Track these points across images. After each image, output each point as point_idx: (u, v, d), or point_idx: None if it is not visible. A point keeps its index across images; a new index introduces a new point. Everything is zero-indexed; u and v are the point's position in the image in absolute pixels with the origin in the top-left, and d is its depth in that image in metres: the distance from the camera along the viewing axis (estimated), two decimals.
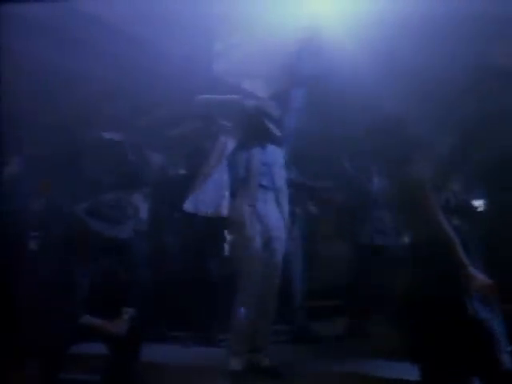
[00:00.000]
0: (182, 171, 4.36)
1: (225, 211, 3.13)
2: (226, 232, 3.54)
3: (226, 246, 3.98)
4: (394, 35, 4.01)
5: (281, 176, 3.29)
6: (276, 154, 3.32)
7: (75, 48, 3.98)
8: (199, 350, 3.75)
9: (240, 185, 3.19)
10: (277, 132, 3.32)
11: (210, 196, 3.13)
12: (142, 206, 4.26)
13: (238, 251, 3.15)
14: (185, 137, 4.56)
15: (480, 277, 2.50)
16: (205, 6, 4.16)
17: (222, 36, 4.91)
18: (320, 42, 4.03)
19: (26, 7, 3.45)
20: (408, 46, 4.04)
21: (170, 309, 3.74)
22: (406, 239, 4.30)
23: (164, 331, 3.80)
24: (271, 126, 3.30)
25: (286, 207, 3.29)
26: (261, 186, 3.20)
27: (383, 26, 3.90)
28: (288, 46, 4.28)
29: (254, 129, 3.31)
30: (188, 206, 3.16)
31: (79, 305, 2.50)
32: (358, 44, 3.88)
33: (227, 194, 3.15)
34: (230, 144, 3.25)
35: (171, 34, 4.41)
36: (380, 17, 3.86)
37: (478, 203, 3.80)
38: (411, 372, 2.65)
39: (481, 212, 3.78)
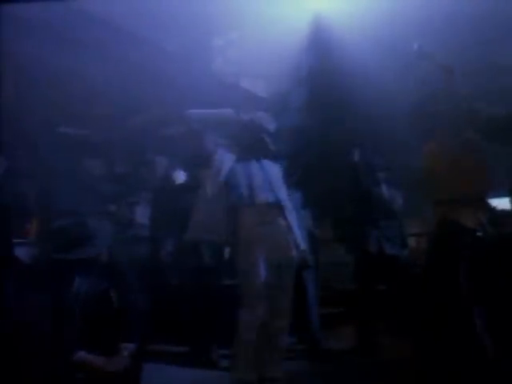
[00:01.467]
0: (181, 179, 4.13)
1: (230, 234, 2.92)
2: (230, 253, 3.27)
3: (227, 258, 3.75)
4: (398, 30, 3.84)
5: (283, 192, 3.09)
6: (273, 170, 3.14)
7: (70, 46, 3.77)
8: (197, 372, 3.49)
9: (244, 204, 2.97)
10: (272, 146, 3.14)
11: (212, 220, 2.91)
12: (143, 211, 4.06)
13: (246, 273, 2.91)
14: (176, 138, 4.36)
15: None
16: (202, 1, 3.98)
17: (219, 33, 4.72)
18: (323, 38, 3.82)
19: (25, 7, 3.32)
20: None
21: (165, 324, 3.52)
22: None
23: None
24: (267, 140, 3.12)
25: (293, 223, 3.08)
26: (266, 203, 2.99)
27: (387, 21, 3.73)
28: (289, 43, 4.09)
29: (250, 143, 3.12)
30: (191, 234, 2.98)
31: (72, 337, 2.27)
32: (362, 40, 3.71)
33: (230, 215, 2.94)
34: (227, 162, 3.05)
35: (167, 31, 4.20)
36: (383, 12, 3.70)
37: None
38: None
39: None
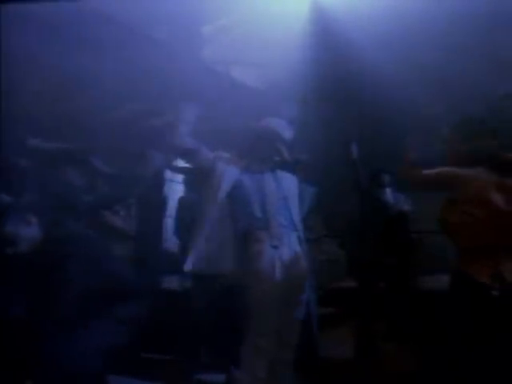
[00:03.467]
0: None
1: (233, 267, 2.57)
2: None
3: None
4: (398, 21, 3.64)
5: (297, 209, 2.77)
6: (288, 183, 2.83)
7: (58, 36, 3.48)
8: None
9: (256, 227, 2.64)
10: (288, 157, 2.81)
11: (213, 248, 2.56)
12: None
13: (258, 305, 2.54)
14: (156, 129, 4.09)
15: None
16: None
17: (209, 19, 4.46)
18: (321, 25, 3.58)
19: (26, 6, 3.07)
20: (417, 35, 3.68)
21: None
22: None
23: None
24: (284, 150, 2.80)
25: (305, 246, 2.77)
26: (281, 225, 2.65)
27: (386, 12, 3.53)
28: (283, 29, 3.85)
29: (264, 154, 2.81)
30: (189, 265, 2.59)
31: None
32: (363, 27, 3.50)
33: (241, 242, 2.59)
34: (229, 175, 2.70)
35: (154, 18, 3.92)
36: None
37: None
38: None
39: None
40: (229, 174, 2.68)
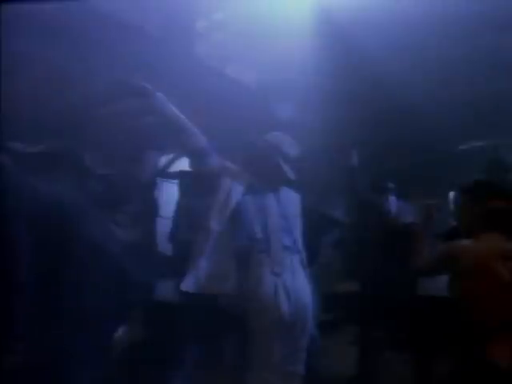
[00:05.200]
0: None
1: (233, 287, 2.40)
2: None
3: None
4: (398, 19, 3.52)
5: (299, 230, 2.63)
6: (290, 202, 2.70)
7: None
8: None
9: (257, 249, 2.48)
10: (292, 175, 2.67)
11: (215, 268, 2.39)
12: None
13: (260, 336, 2.39)
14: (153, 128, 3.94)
15: None
16: None
17: (203, 12, 4.32)
18: (329, 25, 3.44)
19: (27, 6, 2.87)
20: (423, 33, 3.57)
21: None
22: None
23: None
24: (287, 169, 2.66)
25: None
26: (283, 247, 2.50)
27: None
28: (282, 25, 3.72)
29: (264, 170, 2.67)
30: (187, 284, 2.42)
31: None
32: (371, 30, 3.38)
33: (235, 263, 2.42)
34: (236, 191, 2.53)
35: (146, 11, 3.77)
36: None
37: None
38: None
39: None
40: (235, 190, 2.54)
